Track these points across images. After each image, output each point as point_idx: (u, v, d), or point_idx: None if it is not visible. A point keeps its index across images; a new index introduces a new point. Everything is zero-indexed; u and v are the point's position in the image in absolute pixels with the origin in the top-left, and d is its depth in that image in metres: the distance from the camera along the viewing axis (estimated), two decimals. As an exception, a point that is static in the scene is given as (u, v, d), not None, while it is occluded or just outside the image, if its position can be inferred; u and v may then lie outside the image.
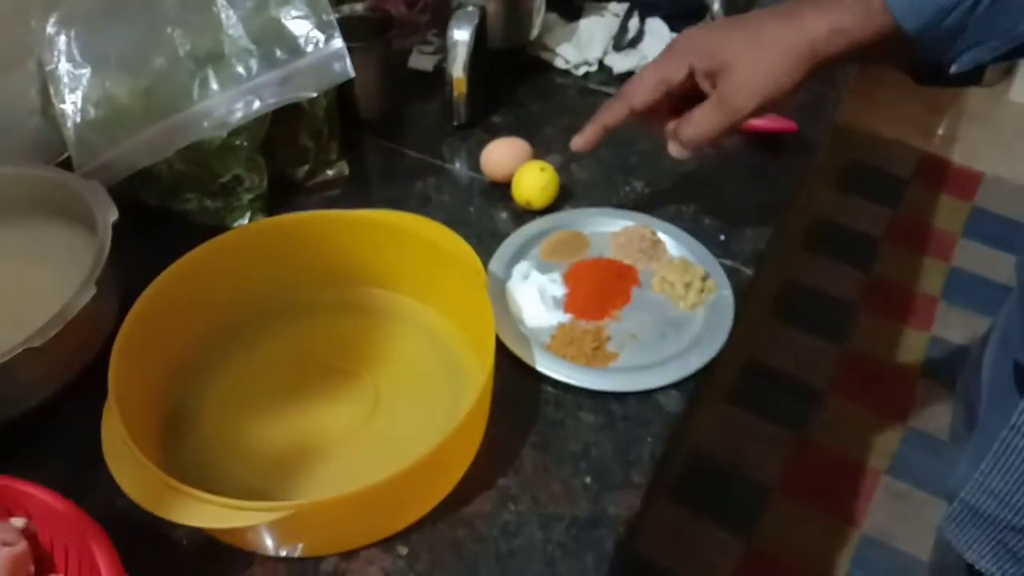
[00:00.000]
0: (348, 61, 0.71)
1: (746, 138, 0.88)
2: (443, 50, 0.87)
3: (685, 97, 0.64)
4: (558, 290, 0.70)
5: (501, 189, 0.81)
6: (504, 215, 0.80)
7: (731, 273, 0.72)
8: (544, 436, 0.61)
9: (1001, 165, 2.23)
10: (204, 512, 0.48)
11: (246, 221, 0.76)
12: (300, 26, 0.71)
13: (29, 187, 0.70)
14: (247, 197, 0.76)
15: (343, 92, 0.82)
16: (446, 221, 0.68)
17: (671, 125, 0.65)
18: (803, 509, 1.52)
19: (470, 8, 0.85)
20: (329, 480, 0.58)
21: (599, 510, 0.57)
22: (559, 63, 0.99)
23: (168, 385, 0.63)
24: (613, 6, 1.03)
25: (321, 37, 0.71)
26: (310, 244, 0.68)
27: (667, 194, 0.82)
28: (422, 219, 0.68)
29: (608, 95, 0.88)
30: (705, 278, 0.71)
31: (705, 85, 0.62)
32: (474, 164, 0.83)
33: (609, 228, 0.76)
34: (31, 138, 0.77)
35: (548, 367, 0.64)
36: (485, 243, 0.74)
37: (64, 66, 0.71)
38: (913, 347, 1.80)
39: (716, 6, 0.95)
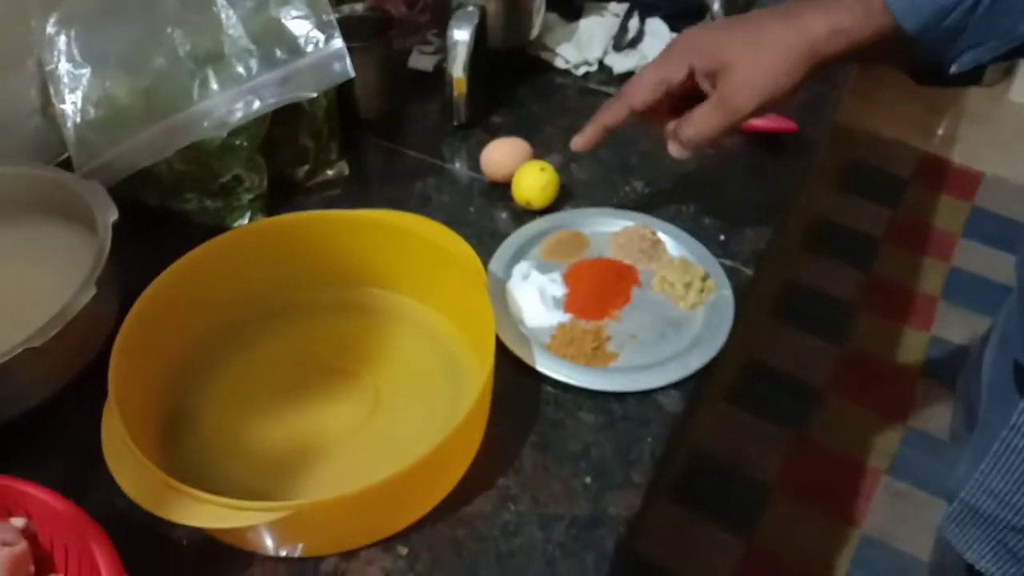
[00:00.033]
0: (348, 61, 0.71)
1: (746, 138, 0.88)
2: (443, 50, 0.87)
3: (685, 97, 0.64)
4: (558, 290, 0.70)
5: (501, 189, 0.81)
6: (504, 215, 0.80)
7: (731, 273, 0.72)
8: (544, 436, 0.61)
9: (1001, 165, 2.23)
10: (204, 512, 0.48)
11: (246, 221, 0.76)
12: (300, 26, 0.71)
13: (29, 187, 0.69)
14: (247, 197, 0.76)
15: (343, 92, 0.82)
16: (446, 221, 0.68)
17: (671, 125, 0.65)
18: (803, 509, 1.52)
19: (470, 8, 0.85)
20: (329, 480, 0.58)
21: (599, 510, 0.57)
22: (559, 63, 0.99)
23: (168, 385, 0.63)
24: (613, 6, 1.03)
25: (321, 37, 0.71)
26: (310, 244, 0.68)
27: (667, 194, 0.82)
28: (422, 219, 0.68)
29: (608, 95, 0.88)
30: (705, 278, 0.71)
31: (705, 85, 0.62)
32: (474, 164, 0.83)
33: (609, 228, 0.76)
34: (31, 138, 0.77)
35: (548, 367, 0.64)
36: (485, 243, 0.74)
37: (64, 66, 0.71)
38: (913, 347, 1.80)
39: (716, 6, 0.95)
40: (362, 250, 0.68)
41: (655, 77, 0.63)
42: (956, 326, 1.83)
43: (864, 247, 2.01)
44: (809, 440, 1.62)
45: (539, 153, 0.81)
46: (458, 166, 0.86)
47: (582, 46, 0.98)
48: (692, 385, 0.64)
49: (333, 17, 0.72)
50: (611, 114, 0.66)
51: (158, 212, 0.76)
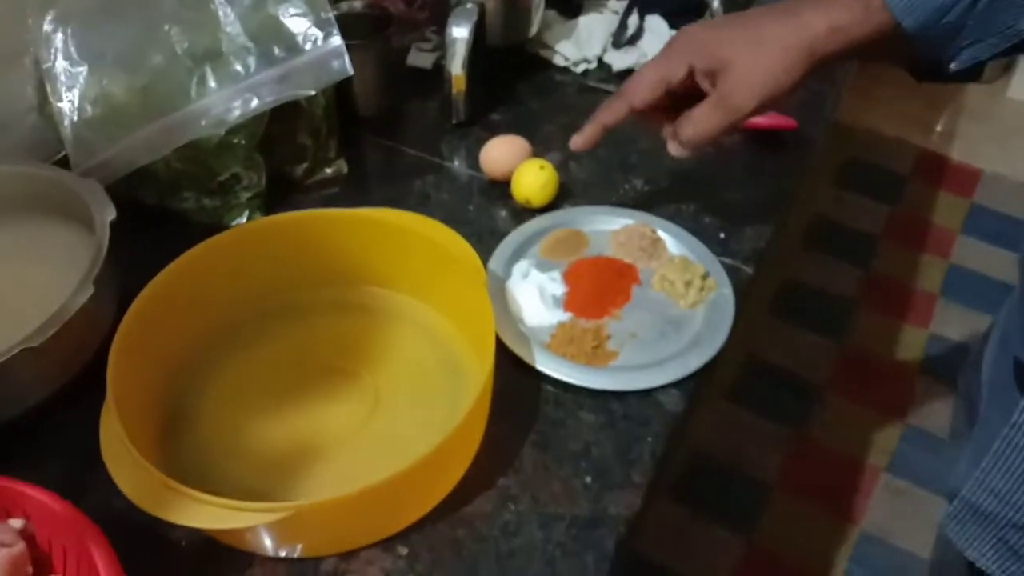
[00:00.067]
0: (346, 59, 0.71)
1: (746, 136, 0.87)
2: (442, 47, 0.87)
3: (685, 95, 0.64)
4: (558, 289, 0.70)
5: (500, 187, 0.81)
6: (503, 213, 0.79)
7: (731, 271, 0.72)
8: (544, 435, 0.61)
9: (1000, 162, 2.23)
10: (203, 513, 0.48)
11: (244, 220, 0.76)
12: (298, 23, 0.71)
13: (26, 186, 0.69)
14: (245, 196, 0.76)
15: (342, 90, 0.81)
16: (445, 219, 0.68)
17: (671, 124, 0.65)
18: (803, 507, 1.52)
19: (469, 5, 0.85)
20: (329, 480, 0.58)
21: (599, 509, 0.56)
22: (558, 60, 0.98)
23: (167, 385, 0.63)
24: (612, 3, 1.02)
25: (319, 34, 0.71)
26: (309, 243, 0.68)
27: (667, 192, 0.81)
28: (421, 218, 0.68)
29: (607, 93, 0.88)
30: (705, 276, 0.71)
31: (705, 84, 0.62)
32: (473, 162, 0.83)
33: (609, 226, 0.76)
34: (28, 136, 0.77)
35: (548, 366, 0.64)
36: (484, 241, 0.74)
37: (61, 64, 0.71)
38: (912, 344, 1.80)
39: (716, 3, 0.95)
40: (361, 249, 0.68)
41: (654, 76, 0.63)
42: (955, 323, 1.83)
43: (863, 244, 2.01)
44: (809, 438, 1.62)
45: (538, 151, 0.81)
46: (457, 164, 0.86)
47: (581, 43, 0.98)
48: (692, 384, 0.64)
49: (331, 14, 0.71)
50: (610, 113, 0.66)
51: (156, 211, 0.76)
